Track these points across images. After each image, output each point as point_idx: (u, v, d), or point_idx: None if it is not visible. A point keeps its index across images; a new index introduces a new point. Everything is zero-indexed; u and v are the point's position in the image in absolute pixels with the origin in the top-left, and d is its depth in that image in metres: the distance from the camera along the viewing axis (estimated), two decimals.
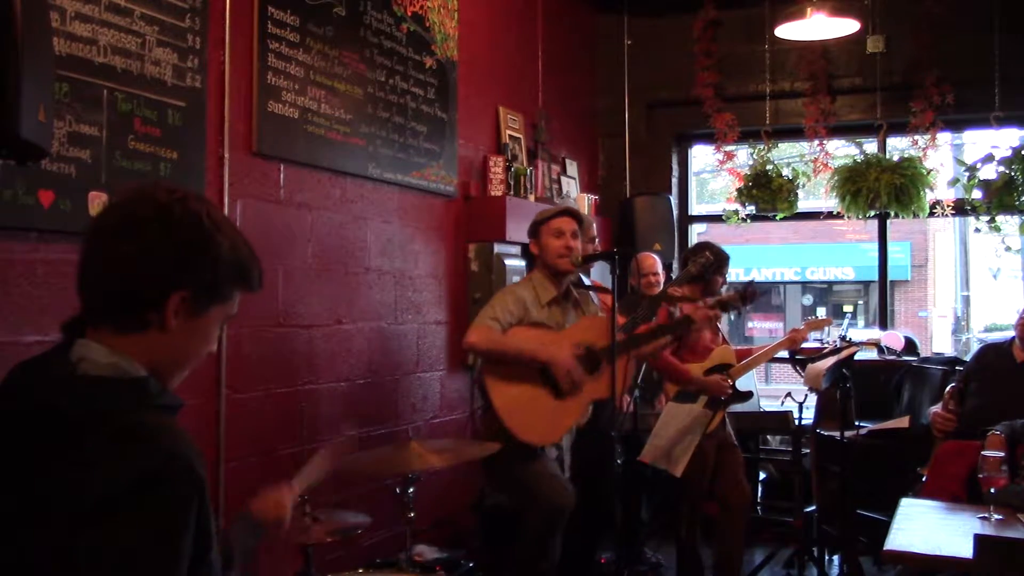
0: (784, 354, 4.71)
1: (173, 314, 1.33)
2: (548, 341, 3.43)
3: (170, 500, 1.22)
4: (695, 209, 7.22)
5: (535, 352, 3.40)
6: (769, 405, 5.70)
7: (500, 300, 3.50)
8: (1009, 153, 5.38)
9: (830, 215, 6.08)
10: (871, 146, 6.00)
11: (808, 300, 19.20)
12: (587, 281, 4.06)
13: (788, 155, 10.11)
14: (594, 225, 4.20)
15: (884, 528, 3.05)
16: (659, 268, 4.85)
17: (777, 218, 6.07)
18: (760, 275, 18.58)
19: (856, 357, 4.60)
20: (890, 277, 6.42)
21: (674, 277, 5.12)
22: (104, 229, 1.35)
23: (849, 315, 16.91)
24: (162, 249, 1.32)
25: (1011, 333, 4.42)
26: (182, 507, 1.23)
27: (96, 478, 1.20)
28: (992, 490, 3.05)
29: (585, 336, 3.51)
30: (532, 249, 3.64)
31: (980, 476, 3.11)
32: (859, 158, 5.79)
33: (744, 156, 6.27)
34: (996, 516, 3.01)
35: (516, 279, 4.28)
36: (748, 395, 4.64)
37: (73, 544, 1.19)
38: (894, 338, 5.74)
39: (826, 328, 4.99)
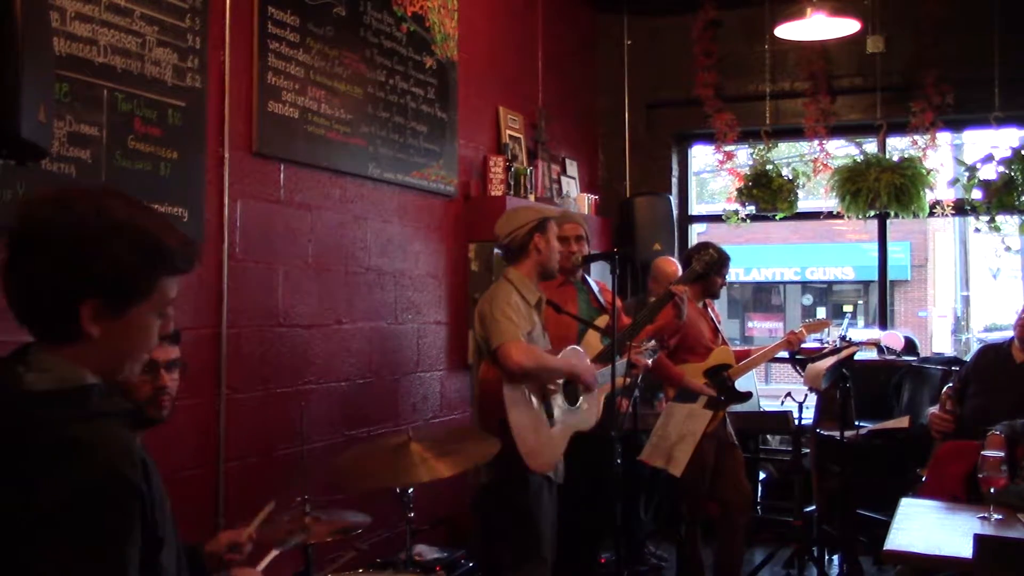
0: (784, 354, 4.71)
1: (91, 323, 1.30)
2: None
3: (107, 511, 1.20)
4: (695, 209, 7.22)
5: (569, 367, 3.34)
6: (769, 405, 5.70)
7: (510, 308, 3.25)
8: (1009, 153, 5.38)
9: (830, 215, 6.08)
10: (871, 146, 6.00)
11: (808, 300, 19.20)
12: (592, 282, 4.04)
13: (788, 155, 10.12)
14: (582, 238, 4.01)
15: (884, 528, 3.05)
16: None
17: (777, 218, 6.07)
18: (760, 275, 18.62)
19: (856, 357, 4.60)
20: (890, 277, 6.43)
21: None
22: (9, 251, 1.32)
23: (849, 315, 16.91)
24: (54, 266, 1.28)
25: (1010, 333, 4.42)
26: (121, 516, 1.22)
27: (34, 495, 1.19)
28: (992, 490, 3.05)
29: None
30: (538, 244, 3.36)
31: (980, 476, 3.11)
32: (859, 158, 5.79)
33: (744, 156, 6.27)
34: (996, 516, 3.00)
35: None
36: (748, 395, 4.64)
37: (16, 562, 1.18)
38: (894, 338, 5.74)
39: (826, 328, 4.99)
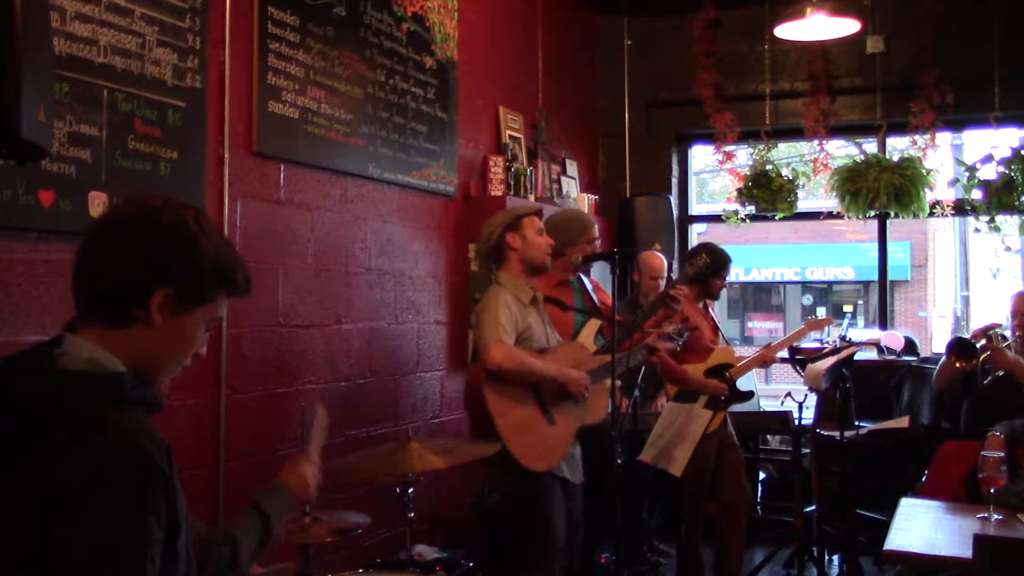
0: (784, 354, 4.71)
1: (158, 311, 1.38)
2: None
3: (128, 490, 1.25)
4: (695, 209, 7.22)
5: (555, 373, 3.25)
6: (769, 405, 5.71)
7: (500, 309, 3.25)
8: (1009, 153, 5.38)
9: (830, 215, 6.08)
10: (871, 146, 6.00)
11: (808, 300, 19.20)
12: (586, 281, 4.04)
13: (788, 155, 10.12)
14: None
15: (884, 528, 3.06)
16: (664, 272, 4.82)
17: (777, 218, 6.07)
18: (760, 275, 18.62)
19: (856, 357, 4.60)
20: (890, 277, 6.43)
21: (674, 278, 5.11)
22: (96, 230, 1.43)
23: (849, 315, 16.91)
24: (145, 248, 1.38)
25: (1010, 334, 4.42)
26: (142, 496, 1.26)
27: (59, 472, 1.24)
28: (992, 490, 3.05)
29: (565, 363, 3.38)
30: (512, 242, 3.38)
31: (980, 476, 3.12)
32: (859, 158, 5.79)
33: (744, 156, 6.27)
34: (996, 516, 3.01)
35: None
36: (748, 395, 4.64)
37: (41, 538, 1.21)
38: (894, 338, 5.74)
39: (828, 326, 4.99)
